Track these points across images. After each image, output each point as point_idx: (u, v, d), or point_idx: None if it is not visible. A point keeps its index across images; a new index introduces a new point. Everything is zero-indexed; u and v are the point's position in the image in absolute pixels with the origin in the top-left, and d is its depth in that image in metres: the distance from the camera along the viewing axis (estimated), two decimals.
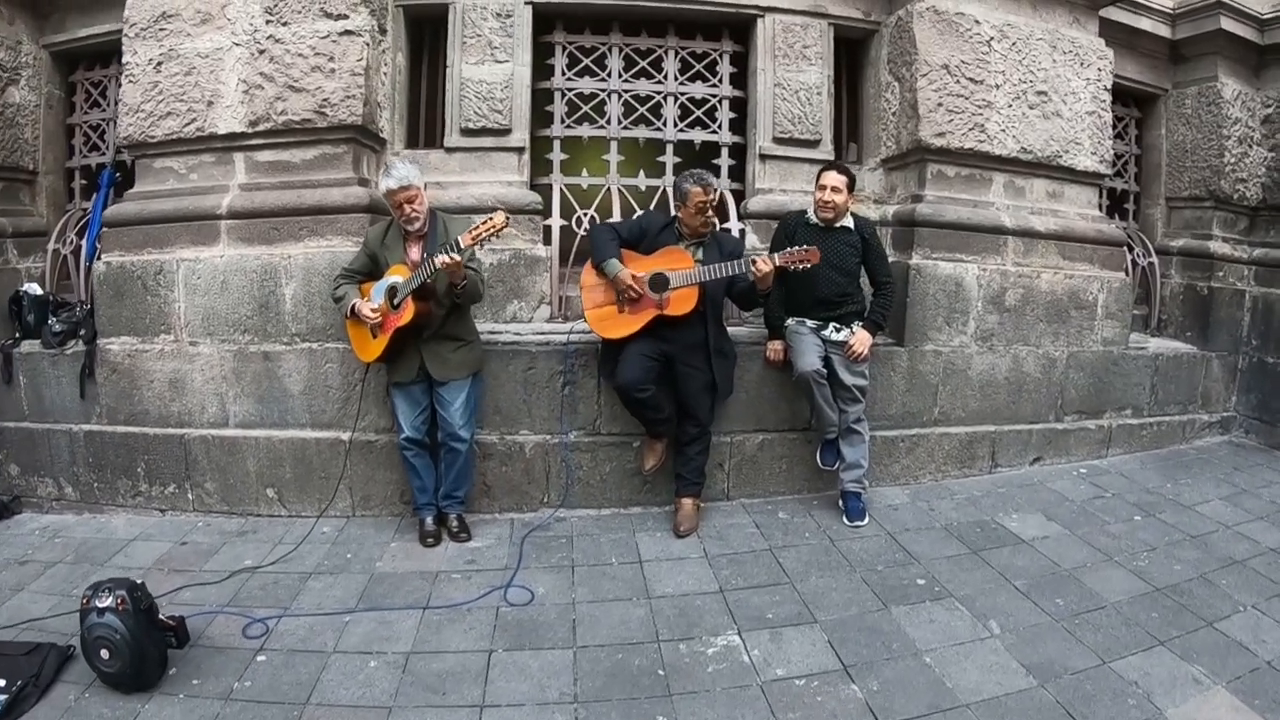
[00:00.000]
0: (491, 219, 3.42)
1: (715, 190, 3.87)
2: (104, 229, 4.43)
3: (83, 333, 4.38)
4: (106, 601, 2.70)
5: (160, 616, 2.86)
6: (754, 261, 3.63)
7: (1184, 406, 5.48)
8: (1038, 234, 4.75)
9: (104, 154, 4.98)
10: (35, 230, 5.06)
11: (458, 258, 3.39)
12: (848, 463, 4.10)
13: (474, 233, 3.42)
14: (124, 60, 4.34)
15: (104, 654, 2.67)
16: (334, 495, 4.15)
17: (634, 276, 3.73)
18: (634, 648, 2.94)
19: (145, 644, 2.70)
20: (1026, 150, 4.71)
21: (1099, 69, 4.90)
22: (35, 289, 4.65)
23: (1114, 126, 5.63)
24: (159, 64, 4.24)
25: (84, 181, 5.20)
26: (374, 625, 3.12)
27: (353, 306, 3.67)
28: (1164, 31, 5.66)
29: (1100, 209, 5.36)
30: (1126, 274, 5.28)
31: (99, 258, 4.41)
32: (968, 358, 4.63)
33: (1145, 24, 5.55)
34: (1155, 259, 5.84)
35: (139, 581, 2.83)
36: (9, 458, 4.56)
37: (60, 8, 4.96)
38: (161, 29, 4.24)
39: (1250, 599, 3.27)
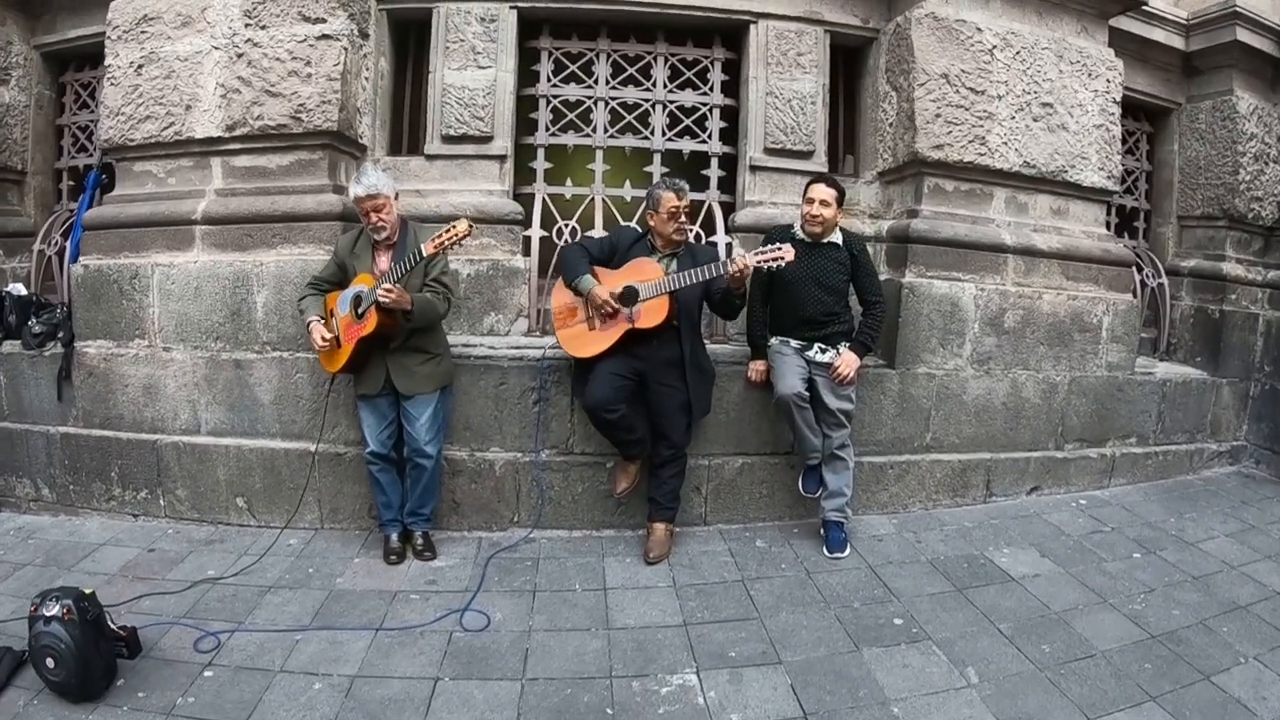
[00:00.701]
0: (454, 227, 3.34)
1: (688, 196, 3.73)
2: (84, 231, 4.42)
3: (61, 335, 4.38)
4: (53, 610, 2.68)
5: (112, 626, 2.83)
6: (727, 261, 3.49)
7: (1192, 435, 5.22)
8: (1040, 252, 4.53)
9: (92, 155, 4.98)
10: (22, 230, 5.10)
11: (393, 294, 3.35)
12: (830, 490, 3.92)
13: (436, 241, 3.35)
14: (106, 63, 4.33)
15: (49, 663, 2.66)
16: (299, 507, 4.07)
17: (609, 292, 3.59)
18: (585, 683, 2.81)
19: (90, 654, 2.68)
20: (1030, 164, 4.49)
21: (1108, 80, 4.67)
22: (20, 289, 4.66)
23: (1124, 141, 5.40)
24: (140, 67, 4.23)
25: (72, 183, 5.22)
26: (324, 645, 3.05)
27: (309, 327, 3.63)
28: (1177, 43, 5.41)
29: (1108, 227, 5.14)
30: (1134, 295, 5.03)
31: (78, 260, 4.40)
32: (963, 381, 4.42)
33: (1158, 35, 5.30)
34: (1165, 280, 5.58)
35: (88, 591, 2.80)
36: None
37: (51, 9, 4.98)
38: (143, 32, 4.23)
39: (1253, 649, 3.03)
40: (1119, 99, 4.75)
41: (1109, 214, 5.31)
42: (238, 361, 4.16)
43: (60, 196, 5.29)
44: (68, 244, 4.74)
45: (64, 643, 2.62)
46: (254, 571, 3.67)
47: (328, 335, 3.60)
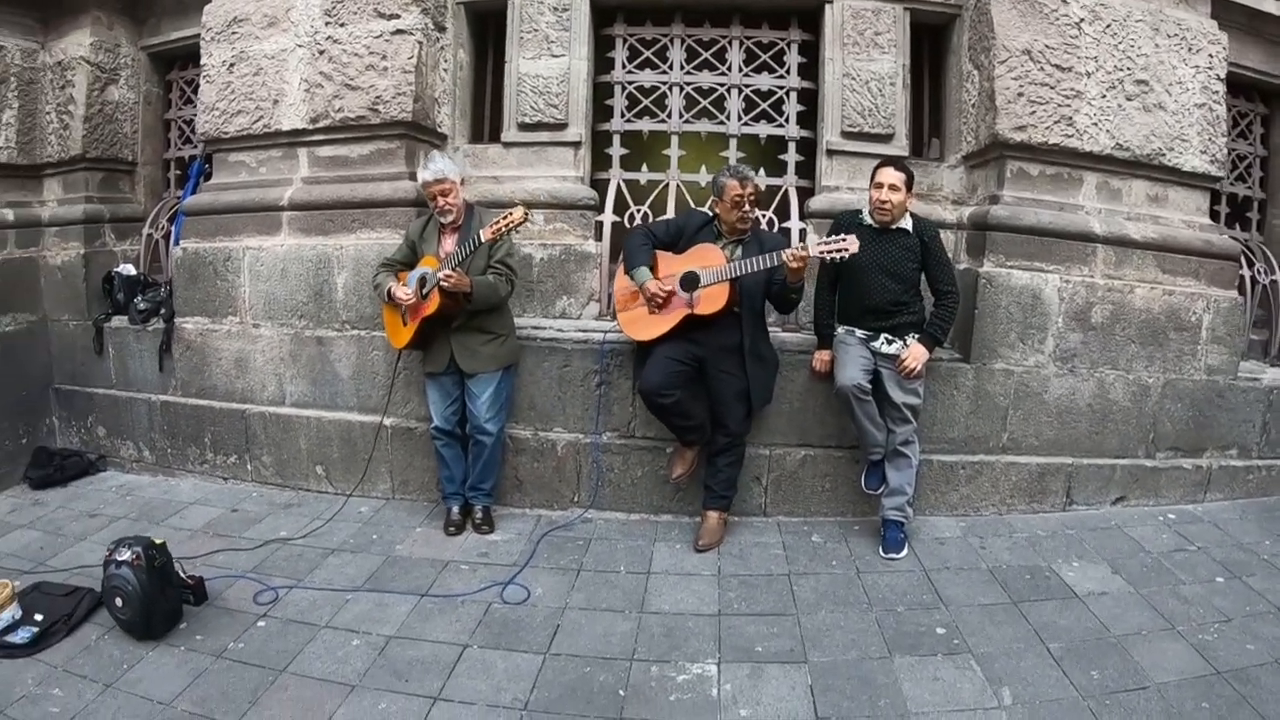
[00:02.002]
0: (510, 214, 3.51)
1: (753, 184, 3.66)
2: (185, 217, 4.81)
3: (163, 311, 4.81)
4: (125, 556, 3.01)
5: (180, 575, 3.16)
6: (786, 253, 3.40)
7: None
8: (1133, 243, 4.17)
9: (196, 147, 5.33)
10: (133, 216, 5.54)
11: (454, 278, 3.52)
12: (891, 488, 3.77)
13: (494, 227, 3.53)
14: (201, 62, 4.70)
15: (118, 602, 2.99)
16: (365, 476, 4.35)
17: (660, 285, 3.61)
18: (605, 663, 2.85)
19: (155, 597, 2.99)
20: (1123, 147, 4.15)
21: (1210, 55, 4.25)
22: (129, 269, 5.15)
23: (1236, 124, 4.98)
24: (231, 65, 4.56)
25: (179, 172, 5.62)
26: (370, 606, 3.26)
27: (389, 290, 3.79)
28: None
29: (1217, 217, 4.69)
30: (1241, 293, 4.57)
31: (179, 243, 4.79)
32: (1044, 380, 4.14)
33: (1270, 6, 4.74)
34: None
35: (159, 541, 3.13)
36: (98, 420, 5.12)
37: (156, 13, 5.37)
38: (234, 33, 4.56)
39: None
40: (1224, 75, 4.32)
41: (1218, 203, 4.87)
42: (319, 339, 4.44)
43: (168, 185, 5.71)
44: (173, 228, 5.14)
45: (131, 585, 2.94)
46: (322, 534, 3.95)
47: (408, 290, 3.73)
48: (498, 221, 3.50)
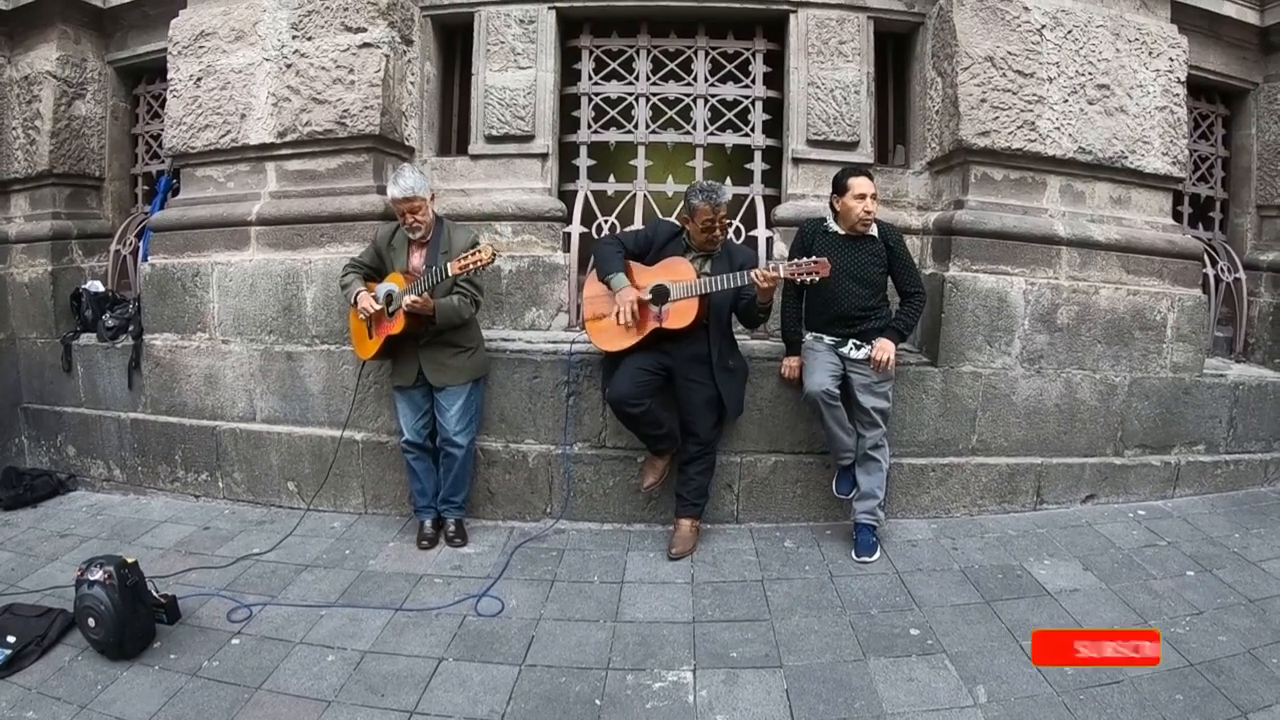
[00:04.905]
0: (479, 253, 3.51)
1: (725, 205, 3.65)
2: (152, 233, 4.78)
3: (131, 328, 4.77)
4: (96, 575, 2.98)
5: (152, 594, 3.11)
6: (757, 273, 3.41)
7: (1268, 443, 4.67)
8: (1097, 244, 4.23)
9: (164, 162, 5.29)
10: (101, 232, 5.51)
11: (419, 303, 3.53)
12: (862, 492, 3.78)
13: (461, 263, 3.52)
14: (168, 76, 4.67)
15: (91, 622, 2.95)
16: (337, 492, 4.31)
17: (639, 296, 3.59)
18: (580, 673, 2.84)
19: (128, 617, 2.95)
20: (1085, 150, 4.21)
21: (1171, 59, 4.32)
22: (97, 286, 5.11)
23: (1198, 125, 5.08)
24: (198, 79, 4.55)
25: (146, 187, 5.60)
26: (345, 621, 3.22)
27: (356, 297, 3.77)
28: (1251, 18, 4.93)
29: (1181, 218, 4.76)
30: (1205, 291, 4.64)
31: (147, 259, 4.76)
32: (1012, 381, 4.18)
33: (1229, 9, 4.84)
34: (1243, 274, 5.07)
35: (130, 560, 3.09)
36: (67, 440, 5.07)
37: (122, 26, 5.36)
38: (201, 46, 4.55)
39: None
40: (1184, 78, 4.39)
41: (1181, 204, 4.94)
42: (289, 354, 4.42)
43: (136, 200, 5.68)
44: (141, 244, 5.12)
45: (104, 604, 2.90)
46: (295, 550, 3.91)
47: (376, 305, 3.72)
48: (465, 259, 3.49)
